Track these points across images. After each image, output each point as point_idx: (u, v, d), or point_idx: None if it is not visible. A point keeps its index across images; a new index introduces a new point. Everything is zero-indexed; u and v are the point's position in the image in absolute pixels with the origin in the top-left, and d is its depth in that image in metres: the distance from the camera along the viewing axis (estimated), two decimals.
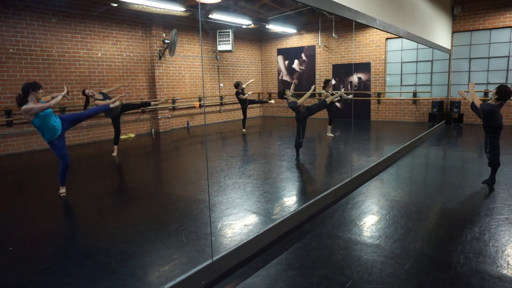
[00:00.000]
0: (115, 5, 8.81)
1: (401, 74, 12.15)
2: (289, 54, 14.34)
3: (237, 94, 10.01)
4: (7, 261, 3.18)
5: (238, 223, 3.84)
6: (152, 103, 9.95)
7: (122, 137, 9.94)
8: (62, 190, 4.88)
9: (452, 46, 11.18)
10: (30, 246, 3.47)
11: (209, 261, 2.76)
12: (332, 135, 9.41)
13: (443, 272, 2.81)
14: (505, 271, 2.80)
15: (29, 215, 4.35)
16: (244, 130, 10.41)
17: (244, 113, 10.31)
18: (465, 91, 6.53)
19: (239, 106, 14.16)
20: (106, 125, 9.61)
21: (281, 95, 6.78)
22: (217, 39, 12.05)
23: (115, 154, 7.53)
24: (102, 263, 3.08)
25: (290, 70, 14.44)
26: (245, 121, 10.42)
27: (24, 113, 4.39)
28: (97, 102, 6.57)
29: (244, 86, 10.25)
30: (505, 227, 3.61)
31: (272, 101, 10.94)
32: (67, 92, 4.86)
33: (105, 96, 7.01)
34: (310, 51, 13.79)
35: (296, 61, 14.23)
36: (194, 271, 2.63)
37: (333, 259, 3.06)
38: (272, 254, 3.17)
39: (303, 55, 14.01)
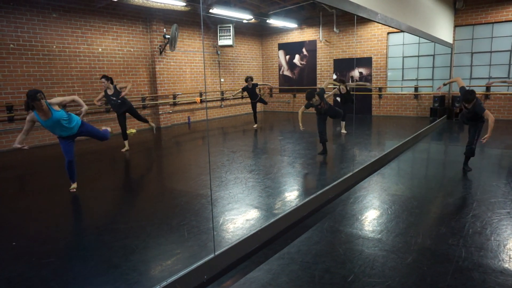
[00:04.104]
0: None
1: (403, 69, 12.11)
2: (290, 48, 14.28)
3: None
4: (10, 256, 3.19)
5: (240, 218, 3.85)
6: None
7: None
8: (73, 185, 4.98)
9: (454, 40, 11.12)
10: (33, 241, 3.49)
11: (212, 256, 2.77)
12: (345, 131, 8.88)
13: (445, 266, 2.82)
14: (506, 265, 2.80)
15: (32, 210, 4.36)
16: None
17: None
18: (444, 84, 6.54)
19: (239, 101, 14.19)
20: (107, 121, 9.62)
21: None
22: (218, 34, 12.01)
23: (124, 150, 7.52)
24: (104, 257, 3.09)
25: (291, 65, 14.39)
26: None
27: None
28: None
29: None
30: (507, 221, 3.61)
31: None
32: None
33: (115, 92, 7.08)
34: (311, 46, 13.73)
35: (297, 56, 14.18)
36: (196, 266, 2.64)
37: (335, 253, 3.06)
38: (274, 249, 3.18)
39: (304, 49, 13.95)
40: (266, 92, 14.84)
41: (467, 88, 5.18)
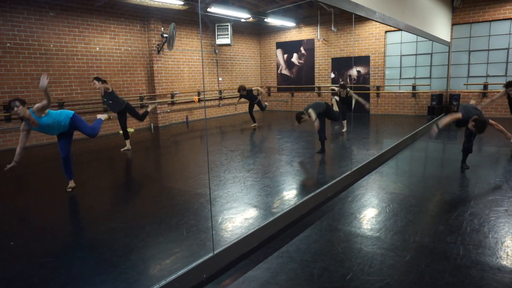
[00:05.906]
0: None
1: (401, 67, 12.13)
2: (288, 47, 14.28)
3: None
4: (9, 255, 3.19)
5: (238, 217, 3.85)
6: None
7: (121, 132, 9.92)
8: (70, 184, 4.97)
9: (451, 38, 11.14)
10: (32, 240, 3.48)
11: (211, 254, 2.77)
12: (345, 130, 8.98)
13: (443, 264, 2.83)
14: (504, 262, 2.82)
15: (30, 210, 4.35)
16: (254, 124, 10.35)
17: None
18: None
19: (237, 99, 14.16)
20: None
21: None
22: (216, 33, 11.98)
23: (124, 149, 7.47)
24: (104, 257, 3.09)
25: (289, 63, 14.39)
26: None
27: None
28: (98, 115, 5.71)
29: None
30: (505, 218, 3.63)
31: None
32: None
33: (113, 96, 7.04)
34: (309, 45, 13.73)
35: (295, 55, 14.18)
36: (195, 264, 2.64)
37: (334, 252, 3.07)
38: (273, 247, 3.19)
39: (302, 48, 13.95)
40: (265, 96, 14.79)
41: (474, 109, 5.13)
